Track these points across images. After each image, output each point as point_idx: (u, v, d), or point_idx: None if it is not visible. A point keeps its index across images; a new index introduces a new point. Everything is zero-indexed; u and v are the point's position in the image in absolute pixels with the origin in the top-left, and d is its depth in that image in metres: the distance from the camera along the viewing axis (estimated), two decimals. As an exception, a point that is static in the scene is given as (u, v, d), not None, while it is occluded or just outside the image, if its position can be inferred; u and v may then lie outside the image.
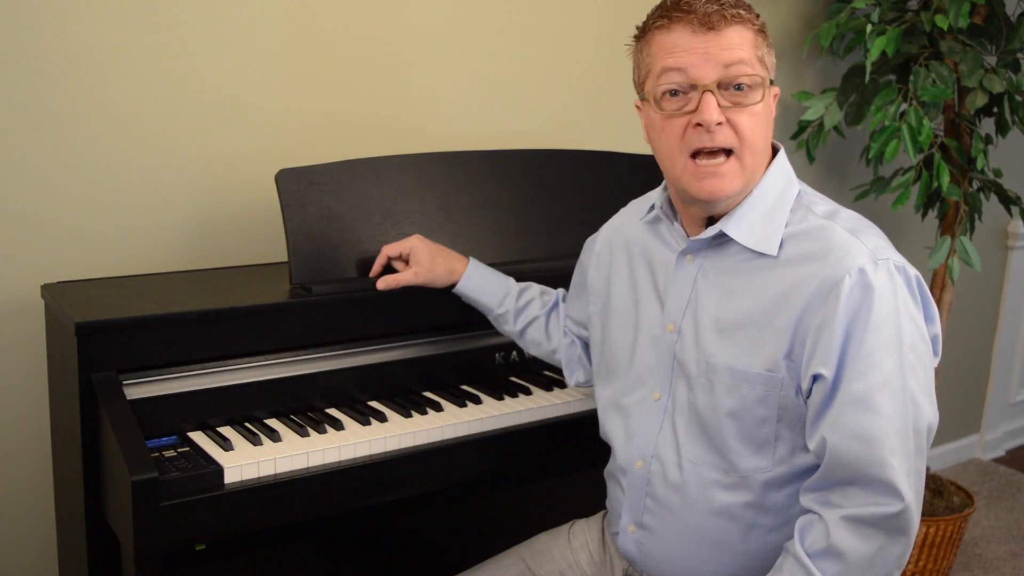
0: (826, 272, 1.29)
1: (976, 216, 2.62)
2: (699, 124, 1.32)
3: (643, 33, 1.39)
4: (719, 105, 1.31)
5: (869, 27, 2.37)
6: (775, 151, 1.43)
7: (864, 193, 2.70)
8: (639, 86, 1.42)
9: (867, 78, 2.43)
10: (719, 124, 1.31)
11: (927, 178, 2.46)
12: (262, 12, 1.99)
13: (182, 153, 1.95)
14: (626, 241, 1.58)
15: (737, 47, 1.32)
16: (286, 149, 2.05)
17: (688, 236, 1.45)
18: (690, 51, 1.32)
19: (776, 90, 1.40)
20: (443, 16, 2.22)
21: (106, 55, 1.84)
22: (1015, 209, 2.64)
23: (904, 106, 2.39)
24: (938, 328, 1.36)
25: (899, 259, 1.31)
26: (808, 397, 1.32)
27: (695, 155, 1.35)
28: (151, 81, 1.90)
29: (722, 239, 1.40)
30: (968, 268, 3.13)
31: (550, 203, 2.07)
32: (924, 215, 2.66)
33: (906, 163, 2.95)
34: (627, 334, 1.53)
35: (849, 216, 1.37)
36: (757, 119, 1.34)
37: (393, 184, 1.88)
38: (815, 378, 1.29)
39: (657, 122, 1.37)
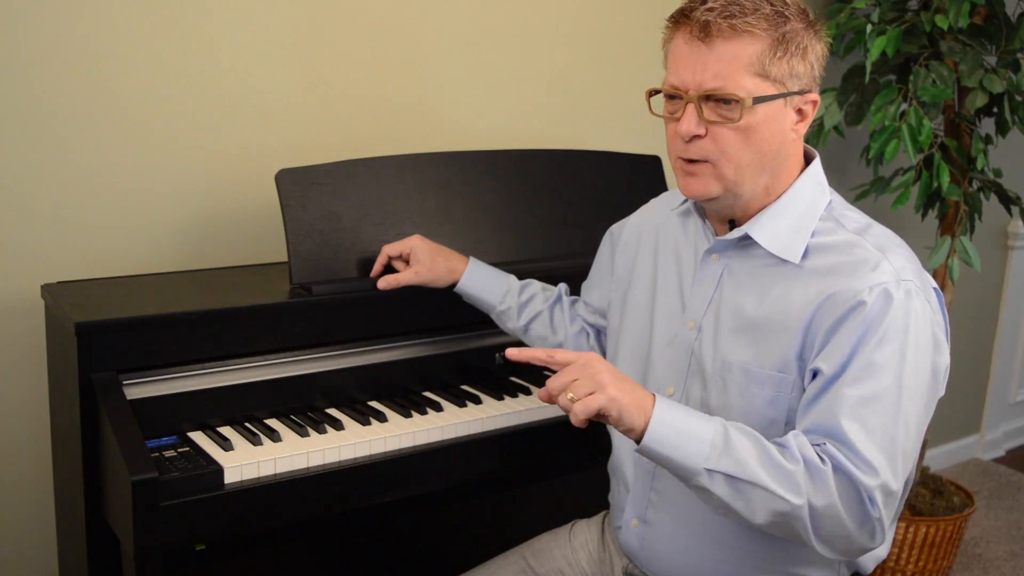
0: (848, 284, 1.29)
1: (976, 216, 2.62)
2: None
3: (666, 30, 1.39)
4: (703, 117, 1.31)
5: (869, 27, 2.37)
6: (810, 159, 1.43)
7: (864, 193, 2.70)
8: None
9: (867, 78, 2.43)
10: (696, 136, 1.32)
11: (927, 178, 2.46)
12: (261, 12, 1.99)
13: (182, 153, 1.95)
14: (656, 231, 1.58)
15: (727, 61, 1.28)
16: (287, 149, 2.05)
17: (715, 234, 1.45)
18: (683, 60, 1.32)
19: (814, 97, 1.34)
20: (443, 17, 2.22)
21: (105, 55, 1.84)
22: (1015, 209, 2.64)
23: (904, 106, 2.39)
24: (947, 359, 1.35)
25: (922, 282, 1.31)
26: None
27: None
28: (151, 81, 1.90)
29: (747, 241, 1.40)
30: (968, 268, 3.12)
31: (550, 203, 2.06)
32: (924, 215, 2.66)
33: (906, 163, 2.95)
34: (642, 327, 1.54)
35: (880, 233, 1.37)
36: (742, 134, 1.31)
37: (393, 184, 1.88)
38: (815, 373, 1.30)
39: (664, 121, 1.39)
